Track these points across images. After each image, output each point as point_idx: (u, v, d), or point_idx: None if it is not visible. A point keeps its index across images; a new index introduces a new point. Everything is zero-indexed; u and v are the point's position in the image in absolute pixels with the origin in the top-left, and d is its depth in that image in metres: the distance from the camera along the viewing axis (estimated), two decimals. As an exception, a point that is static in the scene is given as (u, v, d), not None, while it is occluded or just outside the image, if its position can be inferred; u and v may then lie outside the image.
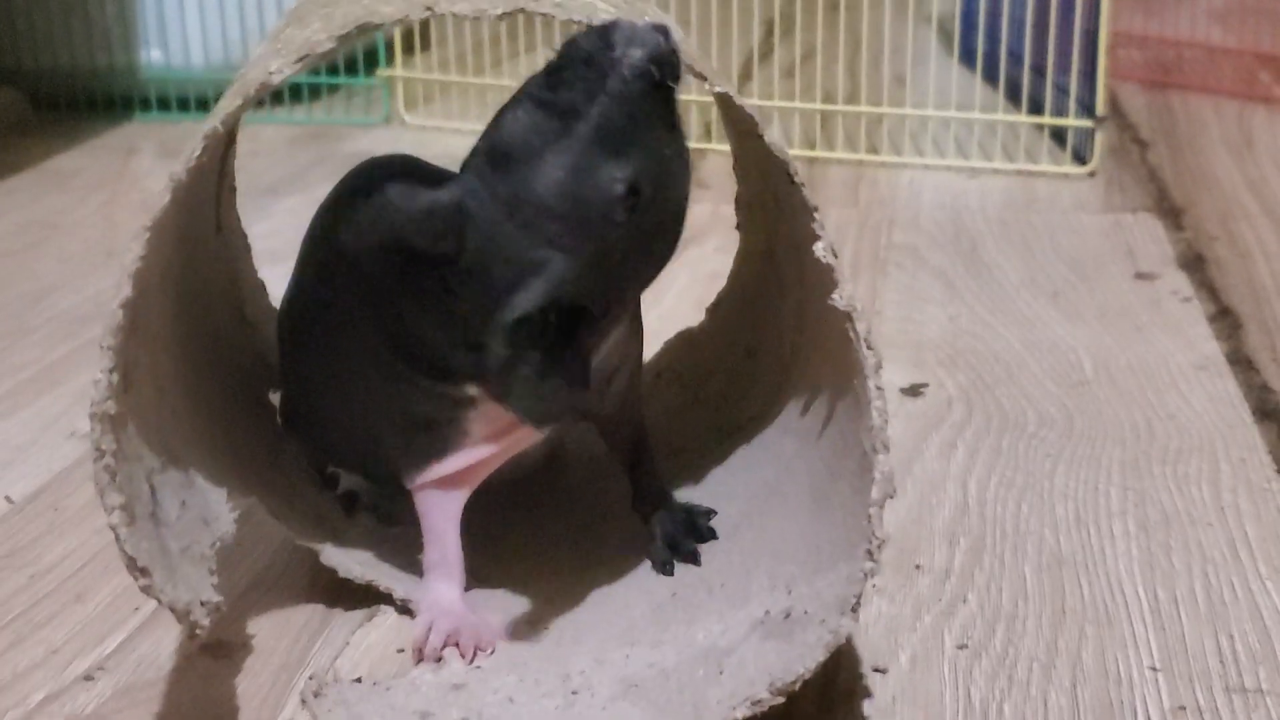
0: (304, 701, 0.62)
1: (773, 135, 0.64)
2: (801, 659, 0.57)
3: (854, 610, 0.57)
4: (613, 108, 0.59)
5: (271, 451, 0.75)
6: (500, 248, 0.60)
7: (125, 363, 0.58)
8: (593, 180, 0.59)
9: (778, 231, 0.75)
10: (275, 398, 0.80)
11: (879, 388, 0.59)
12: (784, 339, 0.76)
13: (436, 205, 0.60)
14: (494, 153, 0.61)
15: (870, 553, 0.57)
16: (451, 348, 0.64)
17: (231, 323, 0.79)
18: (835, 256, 0.61)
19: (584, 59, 0.60)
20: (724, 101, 0.65)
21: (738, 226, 0.82)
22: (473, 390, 0.65)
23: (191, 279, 0.72)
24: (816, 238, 0.62)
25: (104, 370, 0.56)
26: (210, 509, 0.64)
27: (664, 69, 0.60)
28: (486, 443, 0.67)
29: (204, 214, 0.75)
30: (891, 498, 0.58)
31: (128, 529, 0.55)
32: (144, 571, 0.55)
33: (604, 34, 0.60)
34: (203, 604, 0.58)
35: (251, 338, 0.81)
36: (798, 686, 0.57)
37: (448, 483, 0.68)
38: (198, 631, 0.57)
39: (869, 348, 0.60)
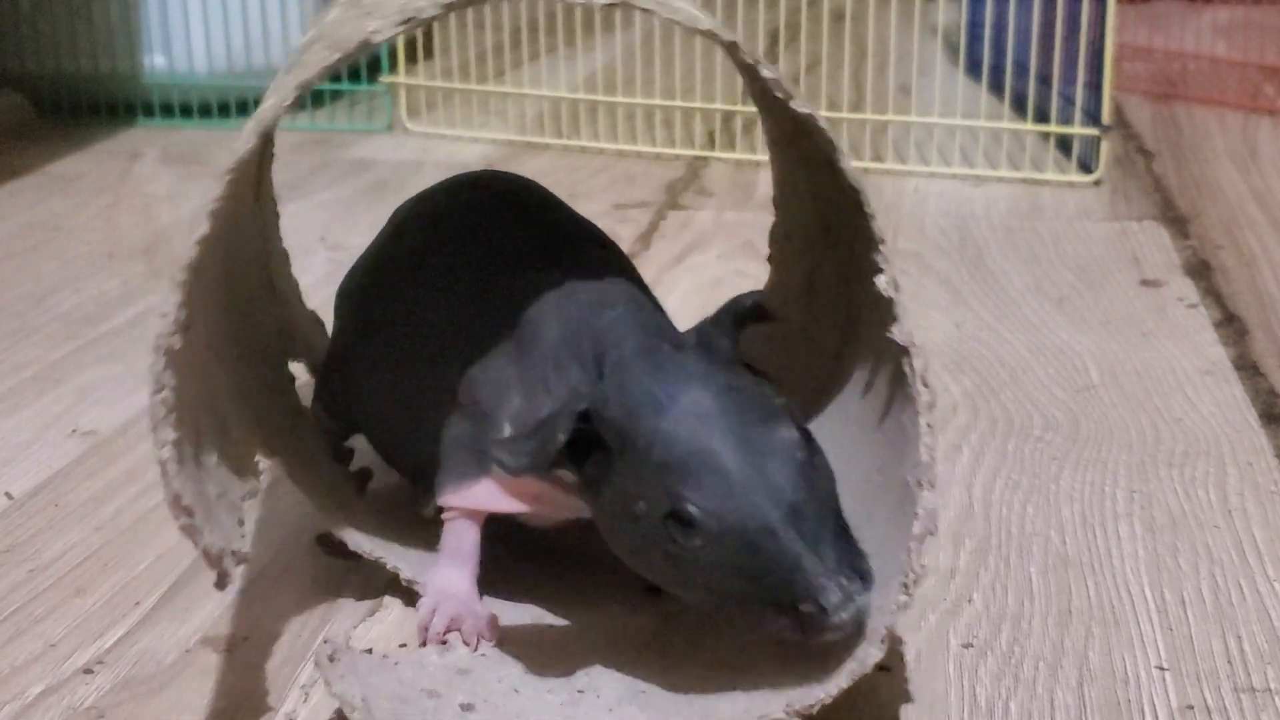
0: (318, 664, 0.61)
1: (848, 163, 0.61)
2: (824, 685, 0.56)
3: (883, 642, 0.56)
4: None
5: (291, 420, 0.75)
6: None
7: (190, 301, 0.57)
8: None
9: (822, 265, 0.73)
10: (296, 368, 0.80)
11: (930, 425, 0.58)
12: (814, 375, 0.74)
13: None
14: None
15: (906, 585, 0.56)
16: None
17: (260, 290, 0.78)
18: (897, 290, 0.60)
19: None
20: (802, 124, 0.61)
21: (769, 259, 0.80)
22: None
23: (234, 240, 0.71)
24: (879, 270, 0.60)
25: (173, 305, 0.55)
26: (242, 463, 0.64)
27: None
28: (513, 493, 0.65)
29: (248, 177, 0.74)
30: (933, 534, 0.57)
31: (177, 466, 0.54)
32: (188, 510, 0.54)
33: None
34: (233, 553, 0.57)
35: (277, 307, 0.80)
36: (815, 710, 0.56)
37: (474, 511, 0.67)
38: (226, 580, 0.57)
39: (924, 385, 0.59)
